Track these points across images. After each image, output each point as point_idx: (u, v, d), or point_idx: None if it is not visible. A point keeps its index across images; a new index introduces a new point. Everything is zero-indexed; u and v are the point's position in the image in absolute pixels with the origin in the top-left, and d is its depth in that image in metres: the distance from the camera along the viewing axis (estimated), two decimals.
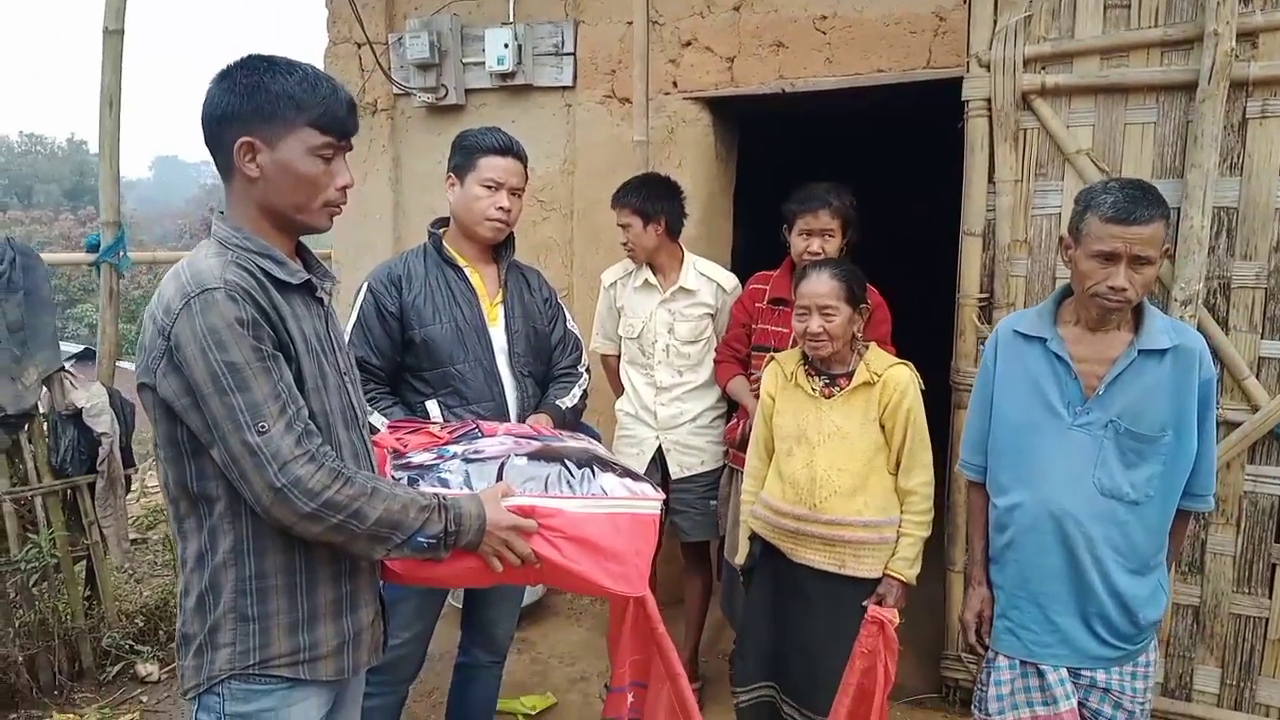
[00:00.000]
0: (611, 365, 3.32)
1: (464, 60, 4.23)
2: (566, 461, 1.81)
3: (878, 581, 2.42)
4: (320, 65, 4.62)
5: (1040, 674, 2.11)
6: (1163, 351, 1.99)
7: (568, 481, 1.78)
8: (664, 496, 1.97)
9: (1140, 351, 1.99)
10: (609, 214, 3.93)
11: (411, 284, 2.45)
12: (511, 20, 4.05)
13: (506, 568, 1.69)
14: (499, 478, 1.76)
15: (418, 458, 1.80)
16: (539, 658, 3.77)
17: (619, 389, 3.37)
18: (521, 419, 2.45)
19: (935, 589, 3.31)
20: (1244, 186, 2.66)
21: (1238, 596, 2.85)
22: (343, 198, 1.61)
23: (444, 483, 1.75)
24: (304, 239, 1.69)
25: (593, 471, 1.81)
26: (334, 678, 1.62)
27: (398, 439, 1.90)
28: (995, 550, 2.20)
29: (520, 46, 4.03)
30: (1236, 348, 2.72)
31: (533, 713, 3.35)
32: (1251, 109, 2.62)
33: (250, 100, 1.48)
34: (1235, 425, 2.74)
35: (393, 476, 1.76)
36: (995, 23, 2.88)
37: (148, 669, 3.61)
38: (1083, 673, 2.09)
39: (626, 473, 1.90)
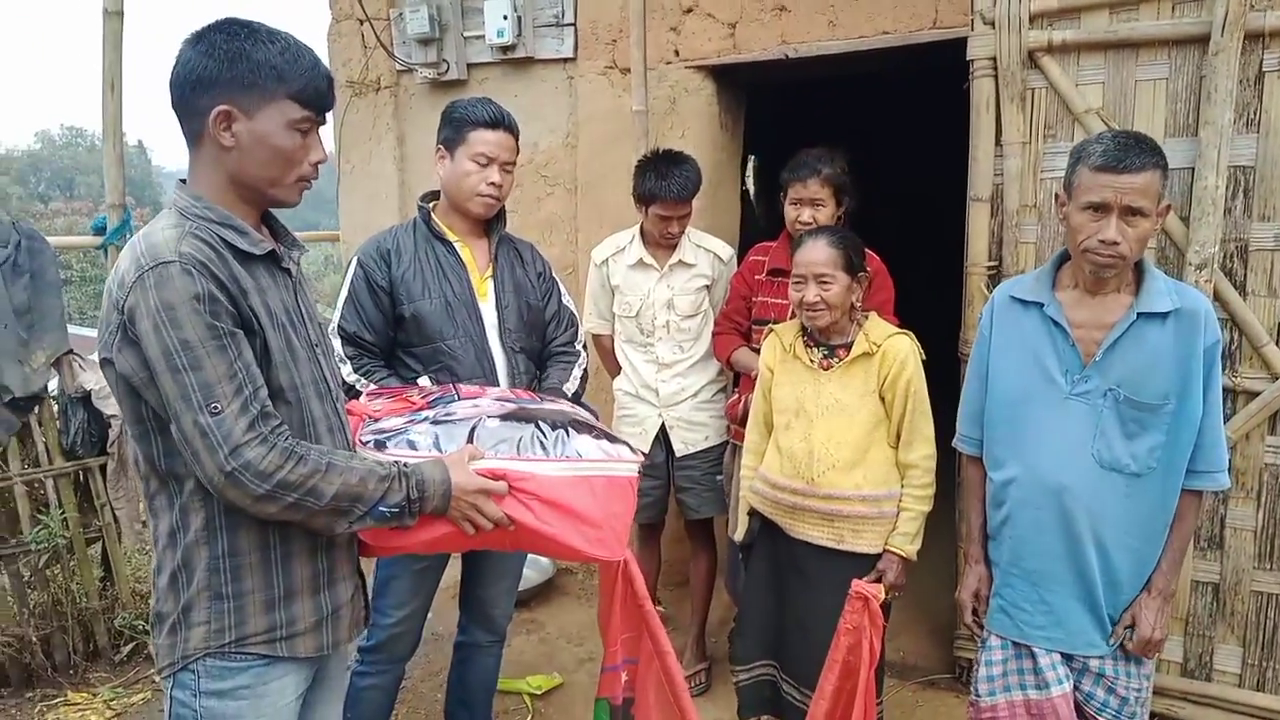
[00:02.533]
0: (605, 345, 3.26)
1: (465, 34, 4.17)
2: (540, 423, 1.77)
3: (878, 557, 2.36)
4: (323, 44, 4.64)
5: (1033, 656, 2.04)
6: (1164, 315, 1.90)
7: (540, 443, 1.74)
8: (642, 458, 1.92)
9: (1140, 314, 1.91)
10: (613, 188, 3.89)
11: (401, 258, 2.41)
12: None
13: (481, 532, 1.66)
14: (470, 440, 1.72)
15: (388, 423, 1.77)
16: (547, 638, 3.76)
17: (613, 368, 3.31)
18: None
19: (946, 566, 3.23)
20: (1261, 144, 2.53)
21: (1259, 573, 2.75)
22: (315, 173, 1.58)
23: (412, 445, 1.72)
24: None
25: (567, 433, 1.77)
26: (312, 654, 1.61)
27: (371, 405, 1.87)
28: (992, 527, 2.13)
29: (520, 18, 3.96)
30: (1255, 313, 2.61)
31: (539, 692, 3.33)
32: (1269, 62, 2.48)
33: (231, 67, 1.43)
34: (1255, 395, 2.63)
35: (361, 444, 1.73)
36: None
37: None
38: (1075, 656, 2.02)
39: (604, 434, 1.86)
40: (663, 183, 2.91)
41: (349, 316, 2.38)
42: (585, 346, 2.72)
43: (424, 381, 2.38)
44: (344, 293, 2.42)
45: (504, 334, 2.47)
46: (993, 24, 2.77)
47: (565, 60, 3.97)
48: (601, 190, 3.93)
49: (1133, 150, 1.82)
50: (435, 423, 1.76)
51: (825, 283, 2.33)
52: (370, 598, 1.88)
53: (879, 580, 2.32)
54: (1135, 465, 1.92)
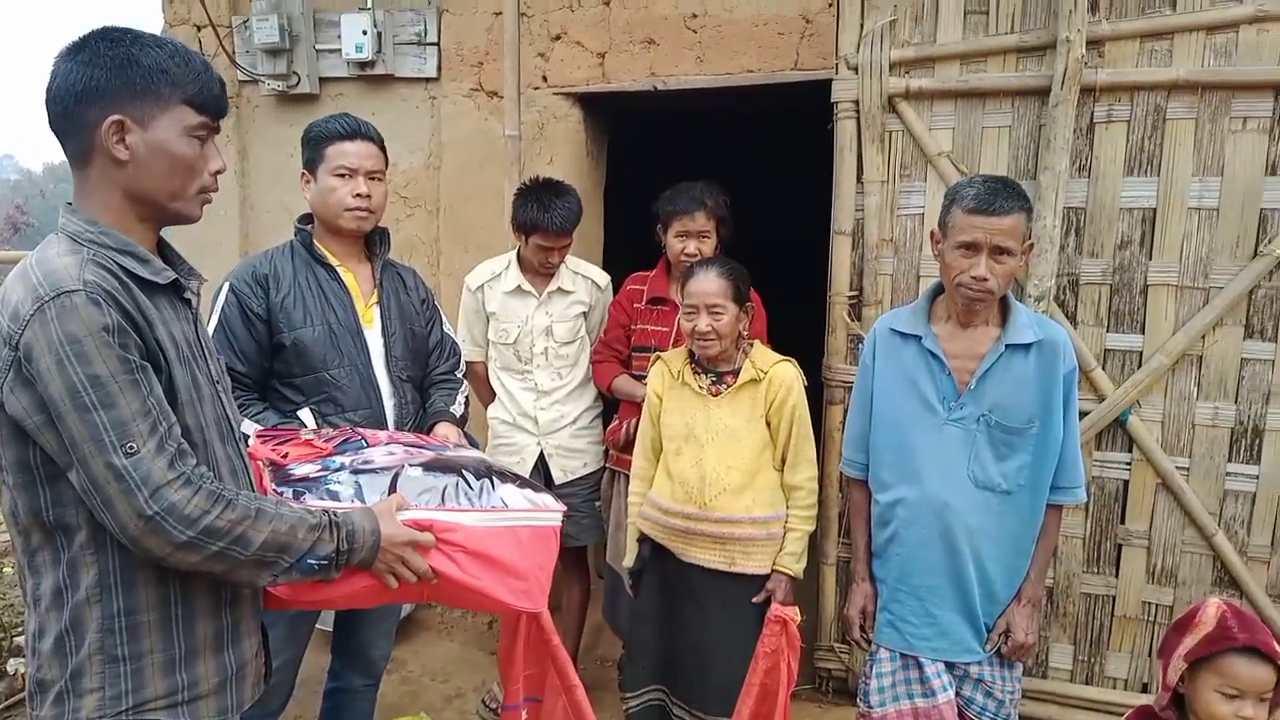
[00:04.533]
0: (479, 371, 3.20)
1: (317, 47, 4.01)
2: (464, 472, 1.73)
3: (766, 577, 2.44)
4: None
5: (919, 666, 2.17)
6: (1028, 346, 2.08)
7: (465, 494, 1.70)
8: (565, 508, 1.90)
9: (1007, 346, 2.08)
10: (477, 211, 3.84)
11: (279, 284, 2.28)
12: (369, 6, 3.86)
13: (402, 585, 1.59)
14: (392, 490, 1.65)
15: (300, 470, 1.67)
16: (410, 676, 3.62)
17: (486, 396, 3.25)
18: (400, 426, 2.34)
19: (809, 582, 3.37)
20: (1091, 187, 2.83)
21: (1088, 576, 3.04)
22: (215, 184, 1.48)
23: (333, 495, 1.63)
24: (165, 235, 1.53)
25: (492, 483, 1.74)
26: (215, 718, 1.48)
27: (274, 450, 1.76)
28: (878, 545, 2.25)
29: (380, 34, 3.84)
30: (1084, 341, 2.89)
31: None
32: (1099, 113, 2.78)
33: (119, 74, 1.33)
34: (1084, 414, 2.91)
35: (275, 492, 1.62)
36: (862, 26, 2.94)
37: None
38: (956, 664, 2.16)
39: (526, 484, 1.84)
40: (545, 215, 2.89)
41: (219, 346, 2.22)
42: (465, 376, 2.67)
43: (304, 414, 2.27)
44: (213, 320, 2.26)
45: (390, 363, 2.39)
46: (856, 69, 2.94)
47: (428, 80, 3.89)
48: (465, 213, 3.87)
49: (1001, 194, 1.99)
50: (355, 471, 1.68)
51: (716, 313, 2.40)
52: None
53: (768, 599, 2.40)
54: (1006, 484, 2.08)
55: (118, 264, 1.35)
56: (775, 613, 1.92)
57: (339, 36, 3.89)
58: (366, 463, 1.72)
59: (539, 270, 3.04)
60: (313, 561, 1.45)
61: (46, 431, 1.28)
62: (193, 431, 1.42)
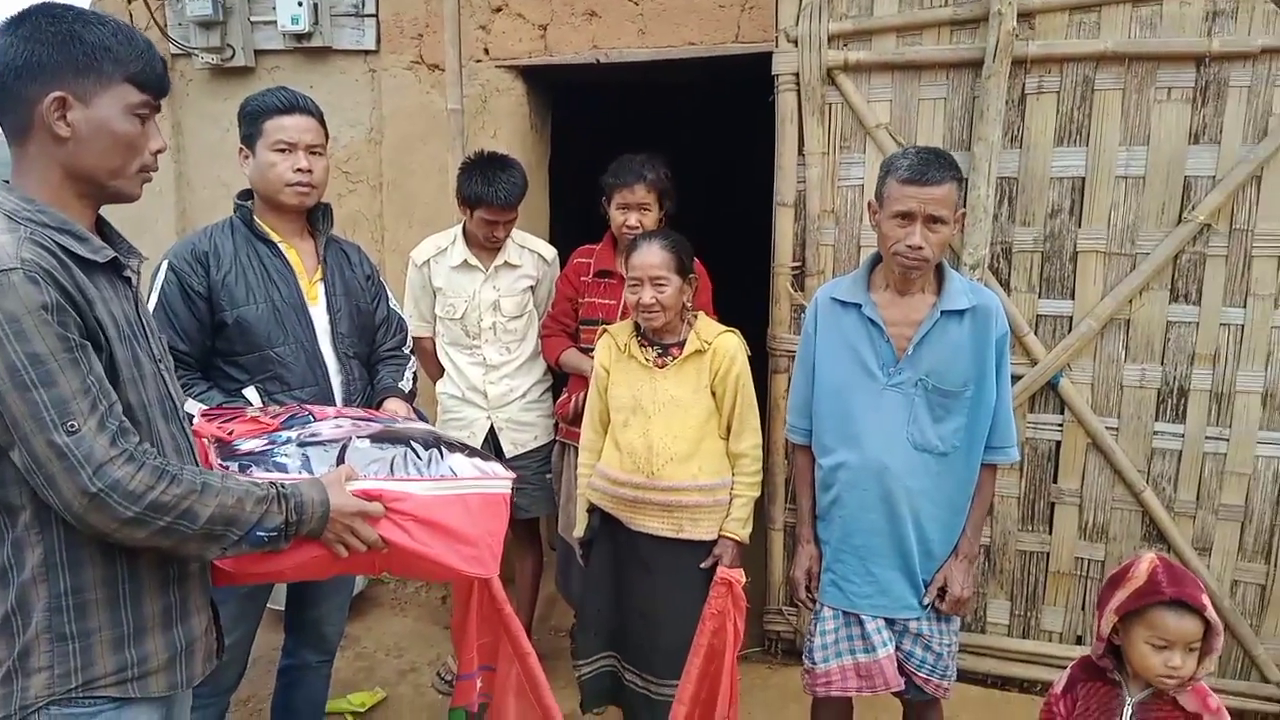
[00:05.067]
0: (426, 347, 3.19)
1: (252, 19, 3.93)
2: (412, 443, 1.74)
3: (714, 543, 2.50)
4: None
5: (861, 623, 2.25)
6: (962, 312, 2.15)
7: (414, 463, 1.71)
8: (515, 475, 1.93)
9: (943, 312, 2.14)
10: (421, 185, 3.82)
11: (220, 262, 2.25)
12: None
13: (352, 555, 1.61)
14: (340, 462, 1.66)
15: (246, 445, 1.67)
16: (364, 652, 3.63)
17: (434, 371, 3.25)
18: (348, 404, 2.33)
19: (757, 547, 3.44)
20: (1023, 158, 2.91)
21: (1023, 534, 3.15)
22: (155, 163, 1.47)
23: (281, 468, 1.64)
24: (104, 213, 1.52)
25: (440, 452, 1.75)
26: (166, 693, 1.50)
27: (219, 427, 1.75)
28: (821, 508, 2.32)
29: (316, 5, 3.77)
30: (1017, 307, 2.98)
31: (362, 709, 3.22)
32: (1030, 85, 2.85)
33: (62, 50, 1.32)
34: (1017, 378, 3.00)
35: (221, 466, 1.62)
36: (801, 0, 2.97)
37: None
38: (896, 620, 2.25)
39: (475, 453, 1.86)
40: (490, 188, 2.89)
41: (160, 325, 2.19)
42: (413, 351, 2.67)
43: (250, 393, 2.26)
44: (153, 299, 2.23)
45: (336, 339, 2.38)
46: (796, 42, 2.97)
47: (367, 53, 3.83)
48: (409, 187, 3.84)
49: (933, 165, 2.05)
50: (302, 444, 1.69)
51: (660, 285, 2.43)
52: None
53: (716, 563, 2.46)
54: (943, 445, 2.16)
55: (56, 242, 1.34)
56: (721, 575, 1.97)
57: (274, 8, 3.81)
58: (313, 436, 1.73)
59: (485, 244, 3.04)
60: (261, 533, 1.46)
61: None
62: (135, 410, 1.41)
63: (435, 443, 1.79)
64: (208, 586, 1.62)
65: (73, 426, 1.27)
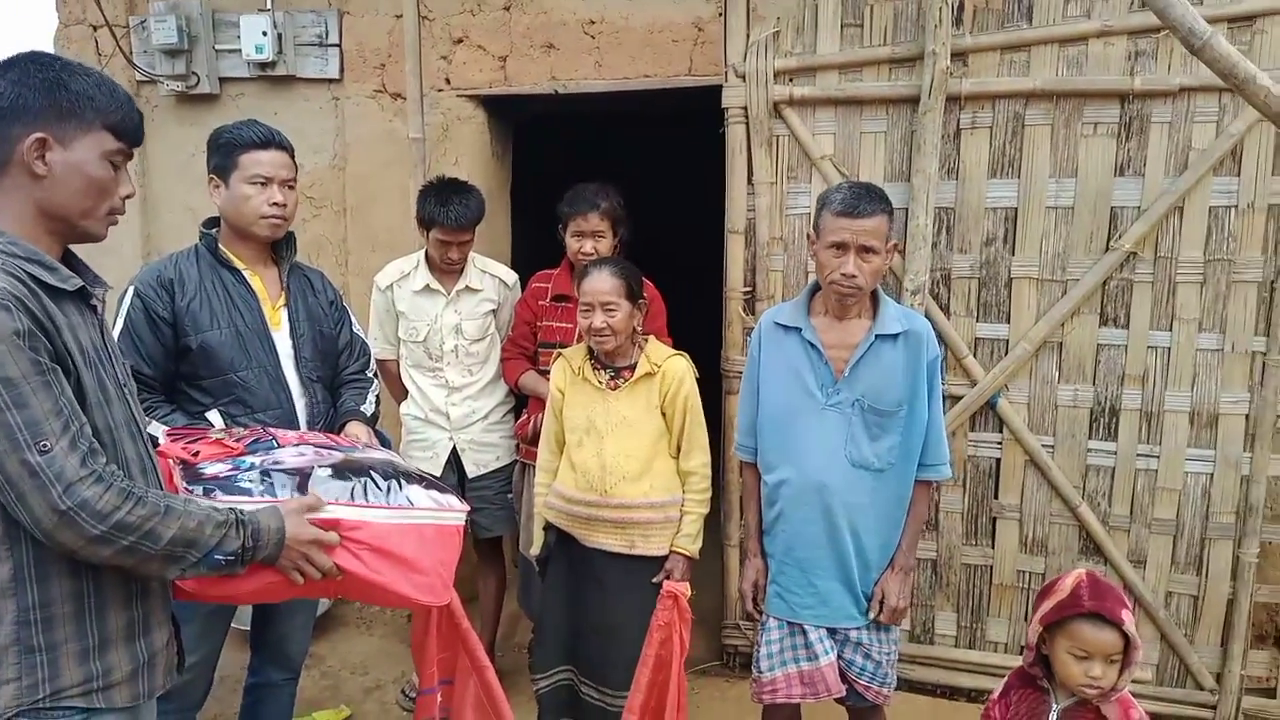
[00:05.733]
0: (390, 369, 3.27)
1: (217, 47, 3.99)
2: (372, 473, 1.82)
3: (665, 558, 2.59)
4: (50, 48, 4.25)
5: (804, 632, 2.35)
6: (895, 336, 2.27)
7: (374, 493, 1.78)
8: (469, 509, 2.01)
9: (877, 336, 2.27)
10: (384, 211, 3.90)
11: (185, 288, 2.32)
12: (269, 7, 3.87)
13: (307, 580, 1.68)
14: (302, 490, 1.74)
15: (211, 469, 1.74)
16: (330, 671, 3.66)
17: (398, 393, 3.33)
18: (311, 427, 2.40)
19: (714, 563, 3.54)
20: (959, 189, 3.06)
21: (967, 548, 3.28)
22: (123, 207, 1.57)
23: (245, 493, 1.71)
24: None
25: (399, 483, 1.83)
26: (130, 703, 1.56)
27: (184, 448, 1.82)
28: (767, 523, 2.42)
29: (280, 35, 3.85)
30: (957, 330, 3.12)
31: None
32: (964, 120, 3.01)
33: (47, 95, 1.42)
34: (958, 399, 3.14)
35: (186, 490, 1.69)
36: (749, 36, 3.11)
37: None
38: (838, 630, 2.35)
39: (432, 484, 1.93)
40: (442, 209, 2.99)
41: (126, 350, 2.25)
42: (376, 374, 2.75)
43: (213, 415, 2.32)
44: (118, 325, 2.29)
45: (300, 364, 2.45)
46: (744, 77, 3.11)
47: (330, 81, 3.91)
48: (372, 213, 3.92)
49: (864, 199, 2.18)
50: (265, 471, 1.75)
51: (610, 310, 2.53)
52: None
53: (668, 578, 2.55)
54: (879, 463, 2.27)
55: (26, 271, 1.41)
56: (667, 588, 2.06)
57: (238, 37, 3.89)
58: (276, 463, 1.79)
59: (441, 266, 3.13)
60: (219, 557, 1.53)
61: None
62: (102, 432, 1.48)
63: (394, 474, 1.87)
64: (169, 602, 1.68)
65: (45, 446, 1.34)
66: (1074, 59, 2.91)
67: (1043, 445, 3.12)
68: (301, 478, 1.75)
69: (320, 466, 1.80)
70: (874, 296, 2.31)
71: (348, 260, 4.00)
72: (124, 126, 1.51)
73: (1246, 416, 2.96)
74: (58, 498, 1.34)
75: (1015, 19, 2.93)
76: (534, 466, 3.09)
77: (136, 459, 1.57)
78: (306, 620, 2.67)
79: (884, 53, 3.01)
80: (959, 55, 2.94)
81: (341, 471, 1.81)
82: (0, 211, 1.46)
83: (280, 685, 2.65)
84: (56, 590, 1.45)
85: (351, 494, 1.76)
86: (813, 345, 2.29)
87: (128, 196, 1.57)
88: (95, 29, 4.11)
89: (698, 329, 3.79)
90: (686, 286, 4.25)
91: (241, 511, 1.59)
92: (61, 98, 1.43)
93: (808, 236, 2.34)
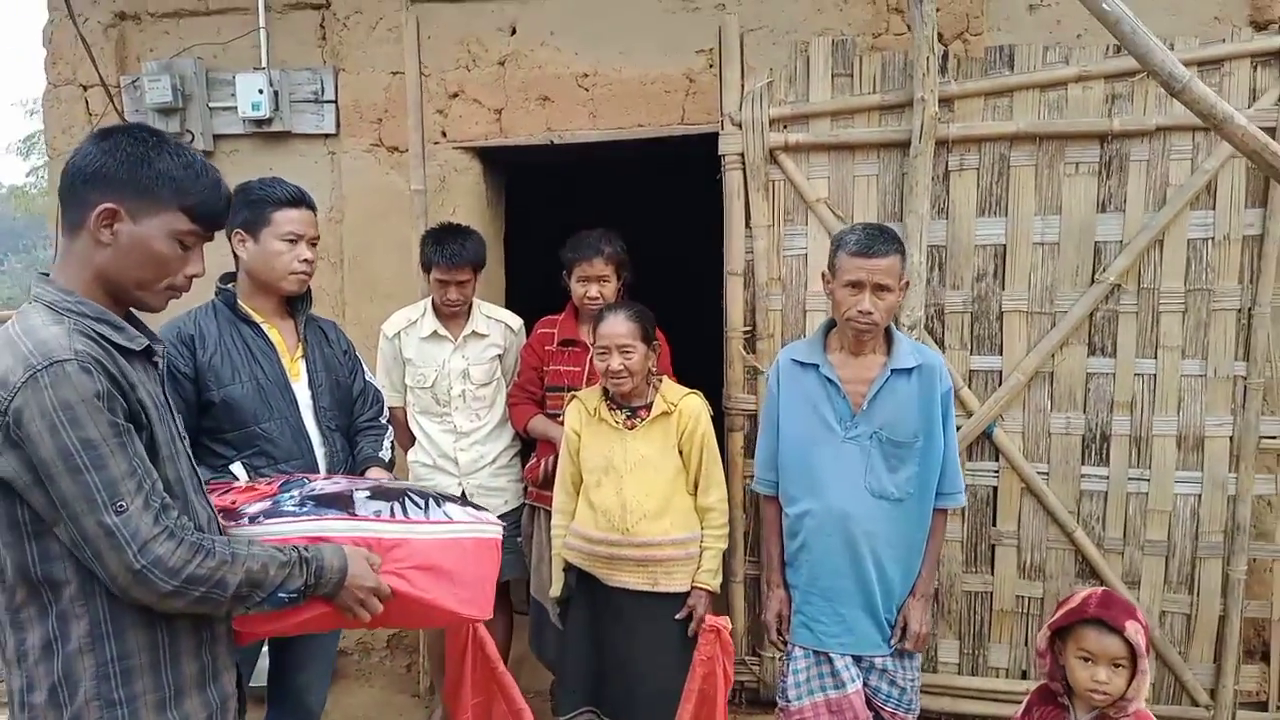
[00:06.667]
0: (399, 417, 3.29)
1: (211, 105, 4.04)
2: (410, 493, 1.85)
3: (686, 594, 2.63)
4: (39, 109, 4.26)
5: (830, 661, 2.40)
6: (910, 370, 2.36)
7: (414, 509, 1.82)
8: (503, 524, 2.04)
9: (892, 370, 2.36)
10: (381, 262, 3.94)
11: (205, 343, 2.35)
12: (264, 66, 3.94)
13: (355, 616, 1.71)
14: (347, 508, 1.77)
15: (252, 508, 1.76)
16: None
17: (406, 441, 3.35)
18: (332, 474, 2.42)
19: (718, 598, 3.56)
20: (950, 228, 3.18)
21: (967, 576, 3.35)
22: (188, 285, 1.60)
23: (290, 515, 1.74)
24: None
25: (436, 501, 1.87)
26: None
27: (219, 499, 1.84)
28: (789, 554, 2.48)
29: (276, 92, 3.92)
30: (952, 363, 3.20)
31: None
32: (952, 163, 3.14)
33: (129, 169, 1.46)
34: (956, 429, 3.22)
35: (231, 525, 1.71)
36: (743, 87, 3.23)
37: None
38: (863, 657, 2.40)
39: (467, 502, 1.97)
40: (438, 249, 3.08)
41: None
42: (389, 422, 2.78)
43: (236, 468, 2.34)
44: None
45: (319, 413, 2.48)
46: (740, 125, 3.22)
47: (326, 136, 3.98)
48: (369, 265, 3.96)
49: (879, 240, 2.28)
50: (304, 499, 1.78)
51: (627, 352, 2.60)
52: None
53: (689, 614, 2.60)
54: (898, 493, 2.35)
55: (96, 331, 1.45)
56: (710, 623, 2.11)
57: (233, 95, 3.94)
58: (314, 490, 1.82)
59: (443, 309, 3.18)
60: (283, 595, 1.57)
61: (35, 490, 1.36)
62: (173, 484, 1.52)
63: (429, 494, 1.91)
64: (234, 648, 1.70)
65: (121, 506, 1.37)
66: (1054, 103, 3.06)
67: (1038, 472, 3.22)
68: (343, 499, 1.78)
69: (359, 490, 1.83)
70: (887, 333, 2.41)
71: (344, 311, 4.03)
72: (201, 211, 1.53)
73: (1230, 438, 3.09)
74: (133, 557, 1.38)
75: (998, 66, 3.08)
76: (543, 510, 3.13)
77: (203, 509, 1.61)
78: (325, 669, 2.66)
79: (874, 100, 3.15)
80: (945, 101, 3.08)
81: (379, 493, 1.85)
82: (67, 270, 1.50)
83: None
84: (133, 642, 1.47)
85: (391, 511, 1.80)
86: (830, 380, 2.37)
87: (194, 275, 1.59)
88: (86, 88, 4.13)
89: (691, 369, 3.85)
90: (681, 327, 4.32)
91: (305, 548, 1.63)
92: (142, 173, 1.47)
93: (822, 276, 2.43)
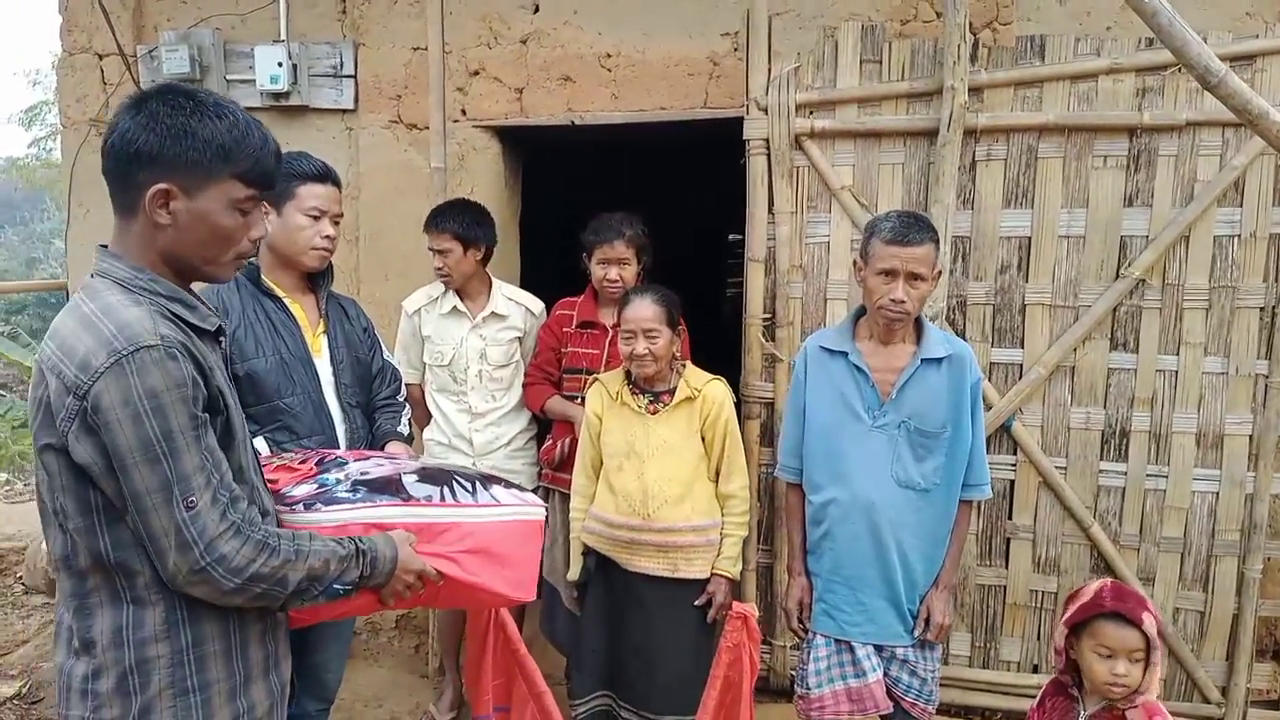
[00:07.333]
0: (415, 394, 3.28)
1: (228, 77, 4.00)
2: (457, 477, 1.84)
3: (706, 581, 2.62)
4: (42, 79, 4.23)
5: (851, 650, 2.39)
6: (939, 360, 2.34)
7: (463, 492, 1.81)
8: (545, 505, 2.03)
9: (922, 360, 2.34)
10: (398, 239, 3.91)
11: (229, 317, 2.33)
12: (284, 38, 3.89)
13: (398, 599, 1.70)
14: (399, 492, 1.75)
15: (297, 490, 1.74)
16: (342, 704, 3.58)
17: (423, 418, 3.33)
18: (352, 449, 2.40)
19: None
20: (975, 219, 3.16)
21: (981, 569, 3.34)
22: (253, 249, 1.54)
23: (344, 502, 1.72)
24: None
25: (484, 483, 1.85)
26: None
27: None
28: (812, 542, 2.47)
29: (295, 65, 3.88)
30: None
31: None
32: (979, 153, 3.12)
33: (174, 144, 1.37)
34: None
35: (284, 511, 1.69)
36: (769, 71, 3.20)
37: None
38: (884, 647, 2.40)
39: (510, 484, 1.96)
40: (434, 218, 3.10)
41: None
42: (407, 400, 2.76)
43: (259, 443, 2.32)
44: None
45: (340, 389, 2.47)
46: (766, 110, 3.19)
47: (345, 111, 3.94)
48: (386, 241, 3.93)
49: (914, 228, 2.25)
50: (355, 484, 1.76)
51: (652, 336, 2.59)
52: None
53: (709, 601, 2.59)
54: (924, 483, 2.34)
55: (171, 312, 1.40)
56: (736, 609, 2.09)
57: (251, 68, 3.90)
58: (364, 473, 1.81)
59: (438, 277, 3.17)
60: (339, 587, 1.54)
61: (107, 478, 1.33)
62: (246, 470, 1.49)
63: (475, 475, 1.90)
64: (289, 636, 1.68)
65: (192, 502, 1.33)
66: (1085, 95, 3.04)
67: (1056, 467, 3.21)
68: (394, 484, 1.76)
69: (406, 473, 1.82)
70: (917, 322, 2.39)
71: (359, 288, 4.00)
72: (254, 174, 1.45)
73: (1250, 437, 3.08)
74: (198, 555, 1.34)
75: (1028, 56, 3.05)
76: (558, 492, 3.12)
77: (267, 494, 1.60)
78: (343, 649, 2.65)
79: (902, 87, 3.12)
80: (975, 90, 3.05)
81: (427, 475, 1.84)
82: (128, 249, 1.43)
83: (314, 716, 2.62)
84: (208, 628, 1.45)
85: (442, 495, 1.78)
86: (859, 369, 2.36)
87: (258, 239, 1.53)
88: (101, 57, 4.09)
89: (711, 353, 3.84)
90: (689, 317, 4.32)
91: (361, 540, 1.60)
92: (188, 146, 1.37)
93: (854, 263, 2.41)
